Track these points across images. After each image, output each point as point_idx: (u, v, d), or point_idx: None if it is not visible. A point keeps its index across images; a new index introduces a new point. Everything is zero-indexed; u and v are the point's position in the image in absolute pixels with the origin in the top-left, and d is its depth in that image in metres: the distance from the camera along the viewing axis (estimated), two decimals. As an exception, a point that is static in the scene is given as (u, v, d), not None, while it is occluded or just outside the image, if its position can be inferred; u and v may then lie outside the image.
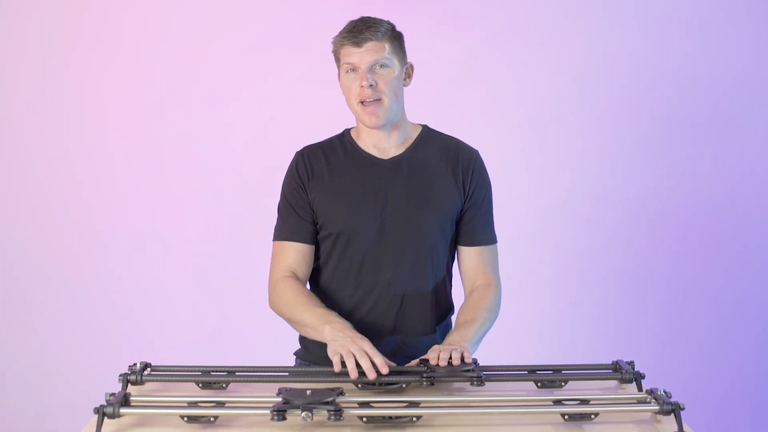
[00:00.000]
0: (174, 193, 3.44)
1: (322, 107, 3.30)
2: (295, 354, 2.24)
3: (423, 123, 2.20)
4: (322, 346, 2.12)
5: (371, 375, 1.78)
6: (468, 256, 2.15)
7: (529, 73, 3.45)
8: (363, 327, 2.07)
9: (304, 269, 2.13)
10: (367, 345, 1.84)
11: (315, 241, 2.14)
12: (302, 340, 2.21)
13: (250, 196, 3.38)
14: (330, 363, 2.07)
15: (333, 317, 1.98)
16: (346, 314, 2.09)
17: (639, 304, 3.48)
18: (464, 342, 1.92)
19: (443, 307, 2.18)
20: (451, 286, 2.20)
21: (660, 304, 3.48)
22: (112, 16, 3.39)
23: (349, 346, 1.83)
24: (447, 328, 2.20)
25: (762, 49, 3.44)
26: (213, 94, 3.43)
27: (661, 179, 3.46)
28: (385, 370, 1.78)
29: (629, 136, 3.45)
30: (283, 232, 2.14)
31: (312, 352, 2.17)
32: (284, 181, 2.17)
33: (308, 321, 2.00)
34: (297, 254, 2.12)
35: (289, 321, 2.09)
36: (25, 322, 3.45)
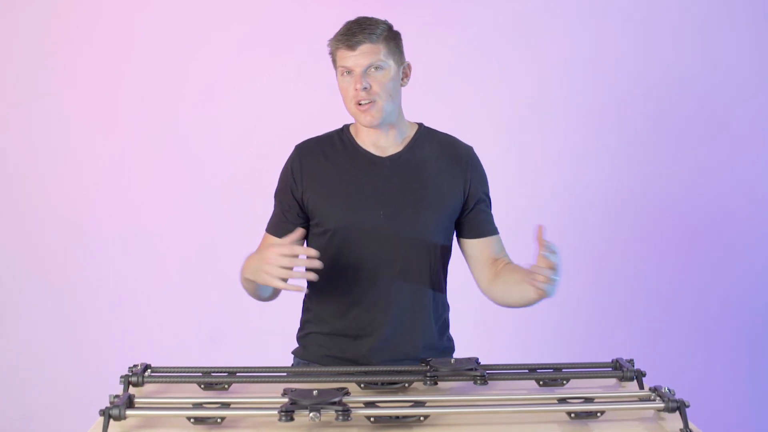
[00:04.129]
0: (164, 193, 3.42)
1: (309, 107, 3.31)
2: (293, 353, 2.23)
3: (417, 121, 2.20)
4: (321, 344, 2.15)
5: (311, 276, 1.83)
6: (481, 247, 2.17)
7: (515, 72, 3.47)
8: (360, 325, 2.09)
9: None
10: (270, 253, 1.84)
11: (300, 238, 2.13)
12: (300, 339, 2.21)
13: (240, 195, 3.37)
14: (331, 363, 2.10)
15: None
16: (343, 312, 2.10)
17: (630, 302, 3.52)
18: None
19: (440, 305, 2.19)
20: (446, 284, 2.21)
21: (651, 302, 3.52)
22: (101, 15, 3.36)
23: (267, 271, 1.84)
24: (444, 326, 2.21)
25: (748, 50, 3.48)
26: (201, 93, 3.42)
27: (650, 177, 3.50)
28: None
29: (615, 136, 3.48)
30: (269, 224, 2.17)
31: (310, 350, 2.17)
32: (281, 173, 2.18)
33: (245, 273, 2.02)
34: None
35: (247, 290, 2.11)
36: (9, 322, 3.41)
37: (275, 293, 2.13)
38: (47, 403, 3.40)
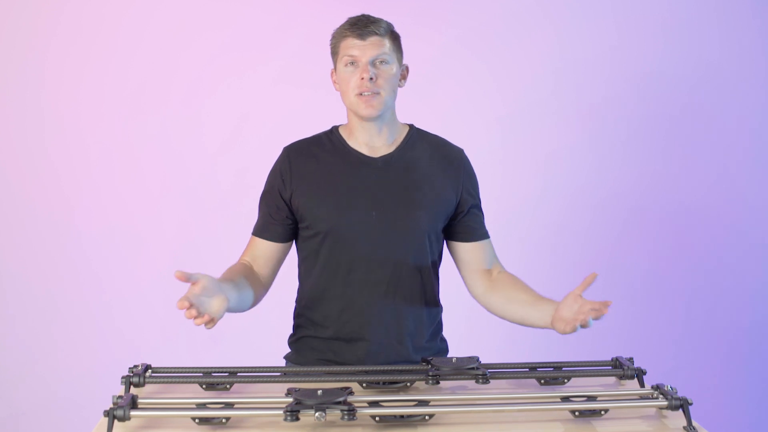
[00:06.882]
0: (157, 193, 3.41)
1: (296, 107, 3.32)
2: (285, 358, 2.22)
3: (408, 123, 2.20)
4: (314, 348, 2.14)
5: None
6: (473, 251, 2.17)
7: (505, 71, 3.48)
8: (354, 329, 2.08)
9: (261, 263, 2.13)
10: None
11: (283, 240, 2.14)
12: (293, 343, 2.20)
13: (234, 195, 3.37)
14: (323, 364, 2.10)
15: None
16: (336, 316, 2.10)
17: (625, 301, 3.50)
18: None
19: (433, 307, 2.18)
20: (438, 285, 2.21)
21: (646, 301, 3.55)
22: (89, 14, 3.34)
23: None
24: (438, 327, 2.22)
25: (739, 51, 3.51)
26: (188, 93, 3.40)
27: (647, 174, 3.53)
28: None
29: (605, 135, 3.50)
30: (255, 227, 2.16)
31: (303, 355, 2.16)
32: (268, 175, 2.16)
33: None
34: (260, 251, 2.13)
35: None
36: (3, 321, 3.39)
37: (246, 303, 2.04)
38: (37, 402, 3.37)
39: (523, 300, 2.05)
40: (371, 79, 2.00)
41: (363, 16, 2.06)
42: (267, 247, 2.13)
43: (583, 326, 1.80)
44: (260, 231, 2.14)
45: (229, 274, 2.03)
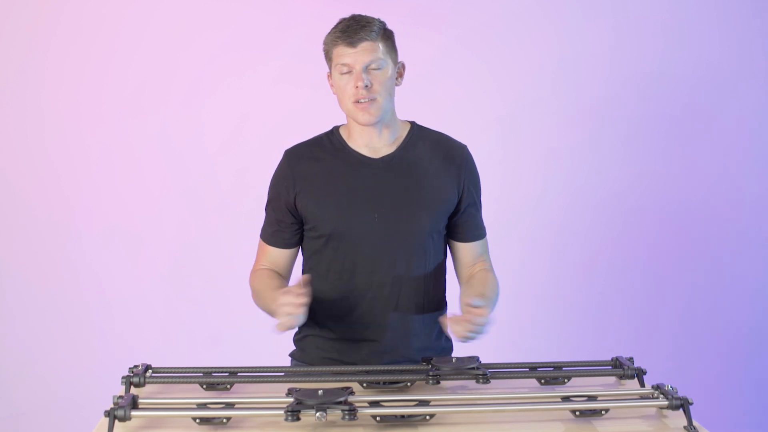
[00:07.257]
0: (157, 193, 3.41)
1: (296, 107, 3.31)
2: (290, 355, 2.23)
3: (410, 120, 2.19)
4: (319, 347, 2.15)
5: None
6: (466, 250, 2.18)
7: (505, 71, 3.48)
8: (359, 329, 2.09)
9: (281, 266, 2.16)
10: (279, 300, 1.86)
11: (295, 244, 2.15)
12: (297, 341, 2.21)
13: (228, 195, 3.37)
14: (328, 363, 2.10)
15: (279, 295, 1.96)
16: (341, 316, 2.10)
17: (623, 300, 3.54)
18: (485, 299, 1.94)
19: (437, 306, 2.18)
20: (445, 283, 2.21)
21: (645, 300, 3.55)
22: (89, 14, 3.34)
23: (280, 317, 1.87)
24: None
25: (738, 50, 3.50)
26: (188, 93, 3.40)
27: (646, 172, 3.52)
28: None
29: (605, 135, 3.50)
30: (264, 233, 2.17)
31: (308, 353, 2.17)
32: (270, 182, 2.16)
33: (271, 308, 1.98)
34: (276, 258, 2.15)
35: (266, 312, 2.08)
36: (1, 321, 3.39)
37: None
38: (41, 403, 3.37)
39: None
40: (366, 86, 1.98)
41: (353, 20, 2.02)
42: (281, 254, 2.15)
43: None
44: (272, 239, 2.14)
45: (273, 282, 2.08)
